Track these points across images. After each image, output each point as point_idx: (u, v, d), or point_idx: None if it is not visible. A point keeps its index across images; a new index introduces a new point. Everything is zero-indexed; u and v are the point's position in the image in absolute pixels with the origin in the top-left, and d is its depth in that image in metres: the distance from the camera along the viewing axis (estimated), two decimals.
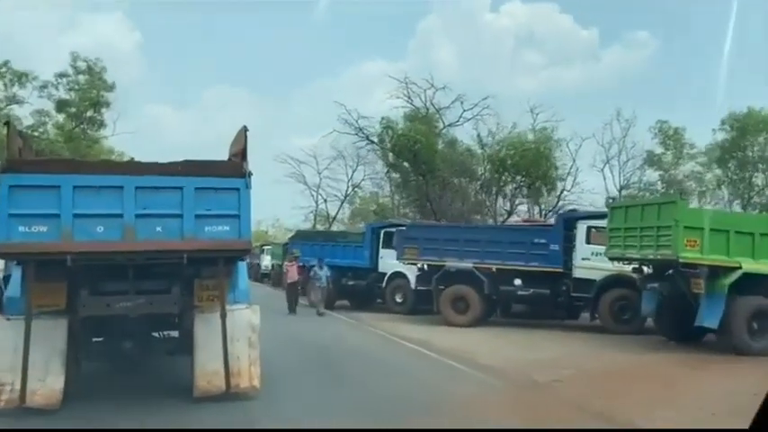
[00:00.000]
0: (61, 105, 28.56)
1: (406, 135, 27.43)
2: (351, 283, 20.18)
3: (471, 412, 6.82)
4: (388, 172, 31.74)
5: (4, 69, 27.14)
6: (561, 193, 29.61)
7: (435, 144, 28.66)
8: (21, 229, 6.04)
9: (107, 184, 6.30)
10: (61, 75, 28.43)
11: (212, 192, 6.45)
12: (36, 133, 26.96)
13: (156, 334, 8.00)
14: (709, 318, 11.26)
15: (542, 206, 29.93)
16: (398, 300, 18.89)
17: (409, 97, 30.66)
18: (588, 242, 15.08)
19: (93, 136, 30.25)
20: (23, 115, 27.82)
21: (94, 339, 7.66)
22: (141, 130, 58.11)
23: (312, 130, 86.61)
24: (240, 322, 7.03)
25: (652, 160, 32.08)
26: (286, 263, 20.81)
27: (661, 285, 12.20)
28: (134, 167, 6.98)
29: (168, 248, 6.36)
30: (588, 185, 30.58)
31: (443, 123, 31.42)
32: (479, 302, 15.71)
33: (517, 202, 29.77)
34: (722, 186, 28.40)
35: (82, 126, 29.56)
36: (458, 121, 30.87)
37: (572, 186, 29.98)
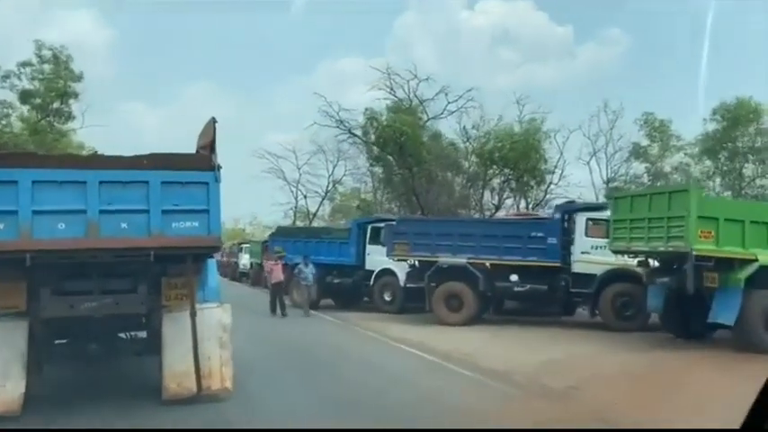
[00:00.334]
0: (25, 96, 26.75)
1: (391, 126, 26.44)
2: (336, 281, 19.14)
3: (488, 425, 6.03)
4: (372, 165, 30.73)
5: None
6: (548, 186, 29.00)
7: (421, 136, 27.73)
8: None
9: (69, 179, 6.03)
10: (24, 64, 26.57)
11: (180, 186, 6.22)
12: None
13: (122, 335, 7.80)
14: (724, 314, 10.60)
15: (529, 200, 29.23)
16: (387, 298, 17.98)
17: (392, 88, 29.75)
18: (587, 235, 14.37)
19: (61, 129, 28.60)
20: None
21: (58, 341, 7.38)
22: (116, 127, 56.54)
23: (290, 126, 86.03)
24: (210, 321, 6.82)
25: (638, 152, 31.71)
26: (270, 262, 19.68)
27: (671, 279, 11.51)
28: (98, 161, 6.75)
29: (134, 246, 6.10)
30: (574, 179, 30.12)
31: (427, 116, 30.58)
32: (474, 300, 14.89)
33: (505, 195, 29.01)
34: (712, 178, 28.03)
35: (48, 118, 27.86)
36: (442, 114, 30.04)
37: (559, 180, 29.44)
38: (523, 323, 15.29)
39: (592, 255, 14.17)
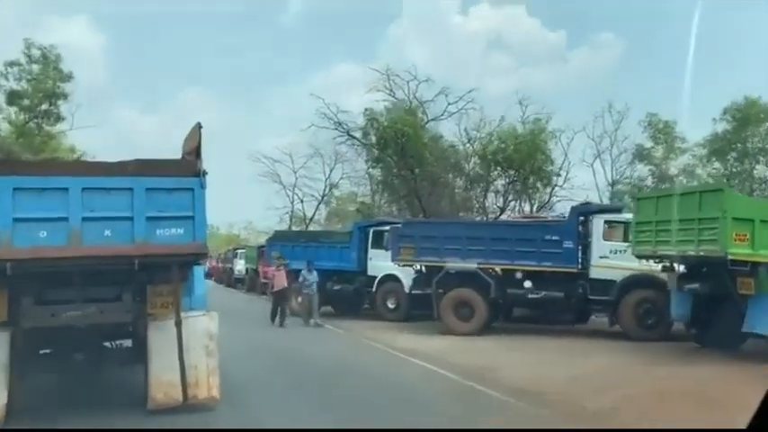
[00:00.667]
0: (12, 97, 25.88)
1: (392, 126, 25.61)
2: (336, 287, 18.19)
3: None
4: (372, 166, 29.87)
5: None
6: (553, 188, 28.29)
7: (422, 137, 26.93)
8: None
9: (51, 186, 5.91)
10: (12, 63, 25.69)
11: (164, 192, 6.13)
12: None
13: (107, 344, 7.71)
14: (761, 323, 9.85)
15: (533, 202, 28.48)
16: (391, 305, 17.14)
17: (391, 90, 28.97)
18: (605, 238, 13.61)
19: (50, 131, 27.66)
20: None
21: (41, 351, 7.25)
22: (111, 132, 55.72)
23: (286, 131, 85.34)
24: (197, 330, 6.70)
25: (642, 155, 31.14)
26: (271, 268, 18.75)
27: (701, 286, 10.75)
28: (80, 167, 6.88)
29: (118, 254, 5.96)
30: (578, 181, 29.48)
31: (427, 117, 29.83)
32: (485, 308, 14.08)
33: (510, 198, 28.22)
34: (721, 180, 27.37)
35: (36, 120, 26.97)
36: (442, 115, 29.28)
37: (564, 182, 28.75)
38: (536, 332, 14.51)
39: (610, 259, 13.41)
